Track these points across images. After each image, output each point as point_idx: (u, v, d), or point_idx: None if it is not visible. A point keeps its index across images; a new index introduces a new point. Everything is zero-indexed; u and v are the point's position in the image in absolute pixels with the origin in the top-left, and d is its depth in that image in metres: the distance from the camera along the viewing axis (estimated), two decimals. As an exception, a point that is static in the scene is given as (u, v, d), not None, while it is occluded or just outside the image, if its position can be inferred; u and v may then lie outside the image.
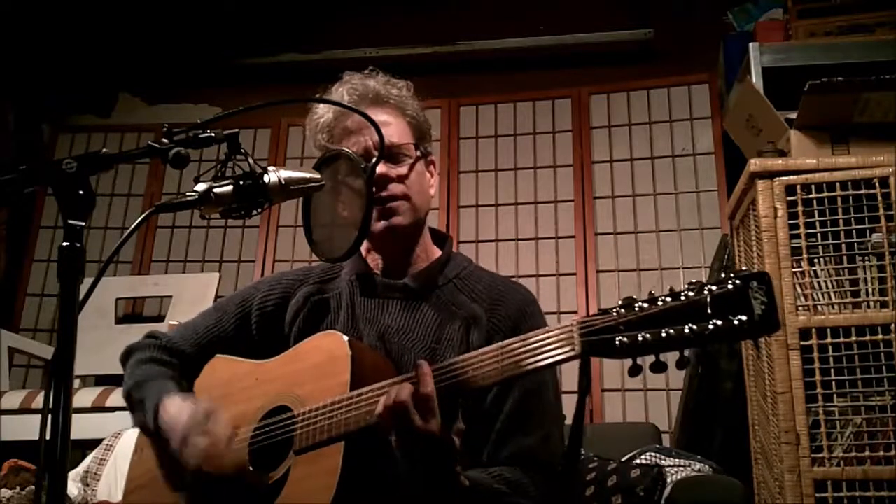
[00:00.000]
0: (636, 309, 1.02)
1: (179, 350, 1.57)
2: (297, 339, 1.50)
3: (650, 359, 1.01)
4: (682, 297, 1.00)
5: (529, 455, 1.37)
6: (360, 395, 1.25)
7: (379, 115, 1.43)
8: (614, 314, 1.04)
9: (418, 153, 1.50)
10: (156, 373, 1.50)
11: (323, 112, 1.49)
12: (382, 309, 1.48)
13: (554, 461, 1.40)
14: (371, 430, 1.21)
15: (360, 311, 1.49)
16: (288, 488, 1.29)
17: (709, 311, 0.98)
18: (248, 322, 1.56)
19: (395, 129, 1.47)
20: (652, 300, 1.02)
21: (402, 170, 1.47)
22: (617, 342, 1.02)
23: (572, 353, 1.07)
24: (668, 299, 1.01)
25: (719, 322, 0.97)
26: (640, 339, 1.00)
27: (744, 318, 0.96)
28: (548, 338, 1.11)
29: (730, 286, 0.98)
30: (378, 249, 1.52)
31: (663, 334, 0.99)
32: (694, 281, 1.02)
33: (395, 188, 1.45)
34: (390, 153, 1.45)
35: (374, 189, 1.40)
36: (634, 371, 1.02)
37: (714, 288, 0.98)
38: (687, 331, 0.98)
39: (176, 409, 1.36)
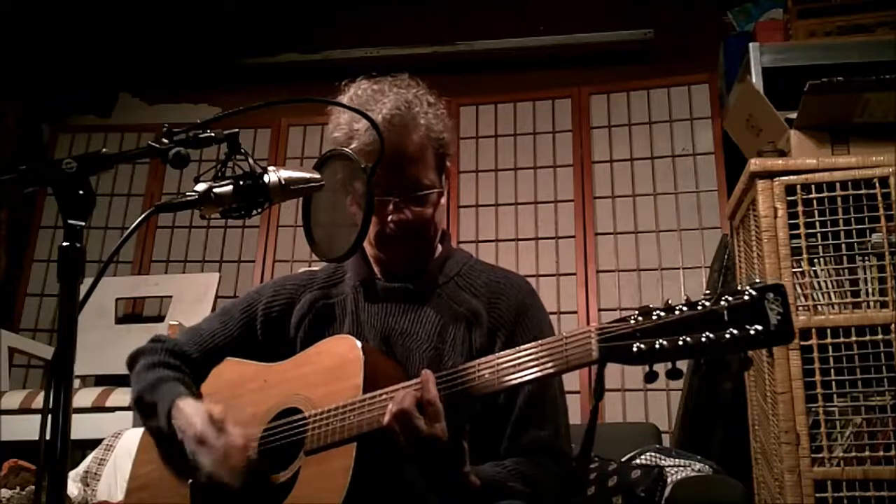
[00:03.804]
0: (653, 317, 1.04)
1: (185, 353, 1.57)
2: (302, 343, 1.50)
3: (666, 365, 1.03)
4: (699, 307, 1.02)
5: (543, 447, 1.39)
6: (373, 398, 1.26)
7: (409, 148, 1.42)
8: (632, 321, 1.06)
9: (440, 185, 1.49)
10: (165, 376, 1.50)
11: (352, 135, 1.44)
12: (386, 313, 1.49)
13: (567, 453, 1.43)
14: (384, 431, 1.22)
15: (364, 316, 1.50)
16: (298, 488, 1.30)
17: (725, 320, 1.00)
18: (253, 326, 1.57)
19: (423, 169, 1.45)
20: (669, 309, 1.04)
21: (426, 211, 1.46)
22: (634, 348, 1.04)
23: (590, 359, 1.09)
24: (685, 308, 1.03)
25: (736, 331, 0.99)
26: (657, 345, 1.02)
27: (760, 327, 0.98)
28: (566, 343, 1.13)
29: (746, 297, 1.00)
30: (386, 261, 1.52)
31: (680, 342, 1.01)
32: (710, 291, 1.04)
33: (416, 230, 1.46)
34: (416, 196, 1.44)
35: (394, 228, 1.42)
36: (651, 377, 1.04)
37: (731, 298, 1.01)
38: (704, 339, 1.00)
39: (191, 409, 1.36)
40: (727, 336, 0.99)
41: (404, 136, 1.42)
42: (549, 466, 1.38)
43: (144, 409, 1.48)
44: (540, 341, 1.16)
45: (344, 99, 1.48)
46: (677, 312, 1.03)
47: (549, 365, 1.13)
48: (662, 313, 1.04)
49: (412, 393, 1.20)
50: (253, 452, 1.36)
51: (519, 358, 1.17)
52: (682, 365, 1.02)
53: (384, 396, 1.25)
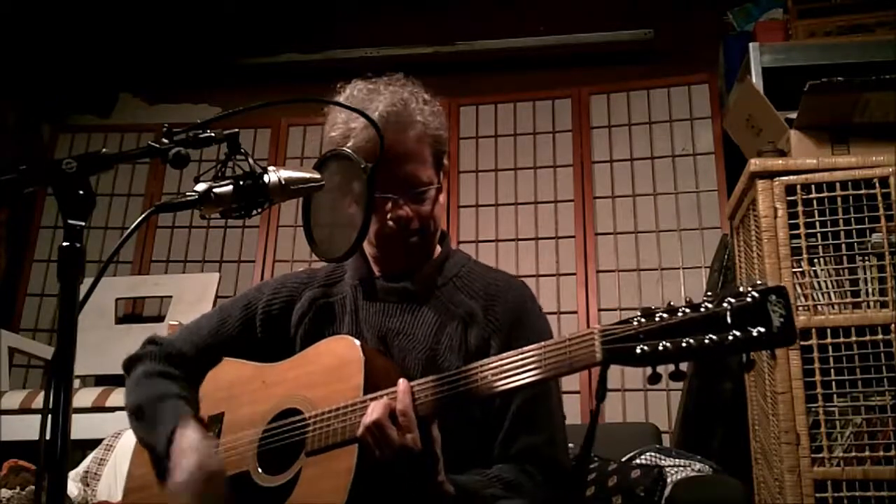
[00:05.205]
0: (656, 319, 1.04)
1: (182, 355, 1.56)
2: (302, 342, 1.50)
3: (669, 367, 1.03)
4: (702, 309, 1.02)
5: (536, 454, 1.38)
6: (374, 399, 1.26)
7: (406, 145, 1.41)
8: (635, 323, 1.06)
9: (437, 182, 1.48)
10: (168, 392, 1.49)
11: (349, 133, 1.43)
12: (383, 312, 1.49)
13: (559, 461, 1.41)
14: (358, 442, 1.23)
15: (362, 314, 1.50)
16: (299, 489, 1.30)
17: (728, 322, 1.00)
18: (252, 325, 1.56)
19: (420, 166, 1.44)
20: (672, 310, 1.04)
21: (425, 208, 1.46)
22: (638, 350, 1.04)
23: (594, 361, 1.09)
24: (688, 310, 1.03)
25: (738, 333, 0.99)
26: (660, 347, 1.02)
27: (762, 329, 0.98)
28: (569, 345, 1.12)
29: (749, 299, 1.00)
30: (386, 259, 1.51)
31: (683, 344, 1.01)
32: (712, 293, 1.04)
33: (416, 227, 1.45)
34: (414, 193, 1.43)
35: (393, 226, 1.42)
36: (654, 379, 1.03)
37: (733, 300, 1.01)
38: (707, 341, 1.00)
39: (188, 442, 1.35)
40: (730, 338, 0.99)
41: (401, 134, 1.41)
42: (535, 475, 1.36)
43: (142, 422, 1.47)
44: (542, 343, 1.15)
45: (340, 99, 1.47)
46: (680, 314, 1.03)
47: (552, 367, 1.13)
48: (665, 315, 1.04)
49: (384, 402, 1.21)
50: (252, 454, 1.35)
51: (522, 359, 1.16)
52: (685, 366, 1.02)
53: (386, 398, 1.24)
